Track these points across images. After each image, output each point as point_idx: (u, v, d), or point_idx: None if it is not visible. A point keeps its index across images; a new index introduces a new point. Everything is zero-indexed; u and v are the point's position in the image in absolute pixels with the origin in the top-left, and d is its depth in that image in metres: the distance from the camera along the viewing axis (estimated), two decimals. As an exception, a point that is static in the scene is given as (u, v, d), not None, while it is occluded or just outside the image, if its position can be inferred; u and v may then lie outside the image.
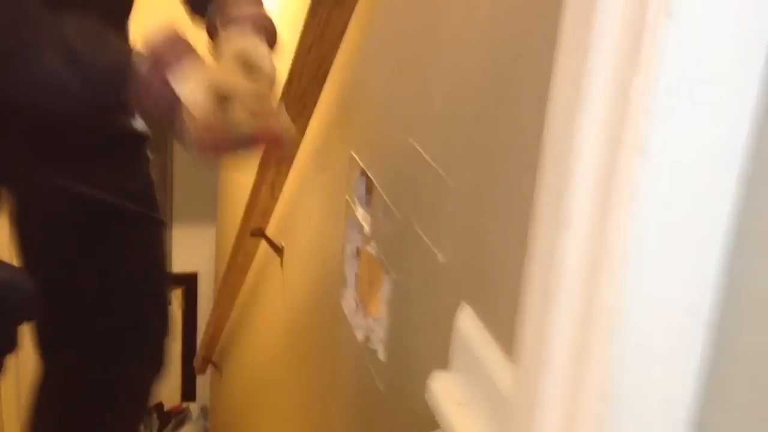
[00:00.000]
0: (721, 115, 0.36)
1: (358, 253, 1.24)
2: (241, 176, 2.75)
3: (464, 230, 0.80)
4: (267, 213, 1.76)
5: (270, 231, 1.86)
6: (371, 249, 1.13)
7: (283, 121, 0.87)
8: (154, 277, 1.34)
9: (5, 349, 0.92)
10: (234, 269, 2.11)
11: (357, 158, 1.21)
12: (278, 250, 1.86)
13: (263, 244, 1.92)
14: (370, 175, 1.15)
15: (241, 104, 0.86)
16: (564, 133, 0.42)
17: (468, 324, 0.75)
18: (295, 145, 0.87)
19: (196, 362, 3.03)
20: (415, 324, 0.93)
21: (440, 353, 0.83)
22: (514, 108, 0.70)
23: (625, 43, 0.38)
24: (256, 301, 2.22)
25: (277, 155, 0.85)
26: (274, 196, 1.67)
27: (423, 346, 0.90)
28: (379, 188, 1.10)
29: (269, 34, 1.00)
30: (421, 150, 0.92)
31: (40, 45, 0.86)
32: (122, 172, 1.22)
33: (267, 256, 1.98)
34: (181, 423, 3.75)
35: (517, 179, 0.69)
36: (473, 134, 0.78)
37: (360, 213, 1.20)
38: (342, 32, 1.22)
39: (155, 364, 1.43)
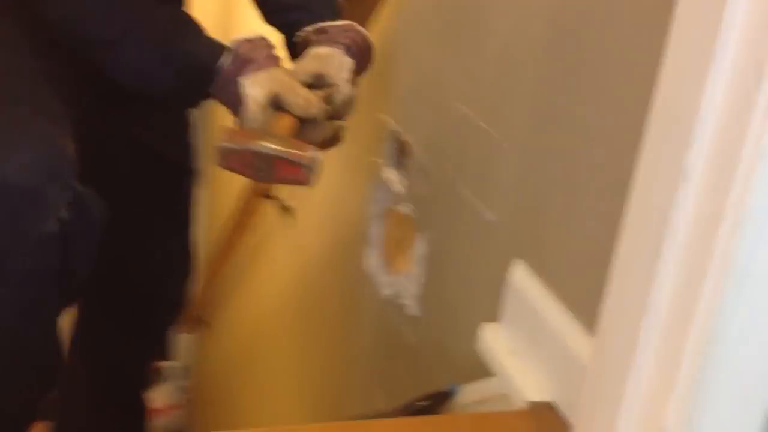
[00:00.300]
0: None
1: (385, 213, 1.27)
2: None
3: (518, 190, 0.84)
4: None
5: (279, 191, 1.88)
6: (404, 209, 1.16)
7: (314, 156, 0.89)
8: (187, 228, 1.38)
9: (89, 268, 0.97)
10: (239, 228, 2.13)
11: (388, 121, 1.24)
12: (288, 211, 1.88)
13: (271, 203, 1.94)
14: (405, 137, 1.18)
15: (287, 121, 0.91)
16: (687, 94, 0.46)
17: (522, 278, 0.79)
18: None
19: (185, 321, 3.05)
20: (457, 279, 0.97)
21: (485, 307, 0.87)
22: (580, 69, 0.73)
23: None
24: (260, 260, 2.25)
25: (291, 182, 0.89)
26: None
27: (466, 300, 0.94)
28: (416, 151, 1.13)
29: (363, 59, 1.04)
30: (470, 113, 0.95)
31: (134, 35, 0.92)
32: (170, 126, 1.27)
33: (274, 216, 2.00)
34: (159, 381, 3.76)
35: (580, 139, 0.72)
36: (532, 96, 0.81)
37: (390, 175, 1.23)
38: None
39: (177, 310, 1.49)
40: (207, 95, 0.97)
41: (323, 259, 1.61)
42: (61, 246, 0.92)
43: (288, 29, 1.11)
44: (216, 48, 0.95)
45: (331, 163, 1.55)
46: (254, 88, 0.91)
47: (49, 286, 0.95)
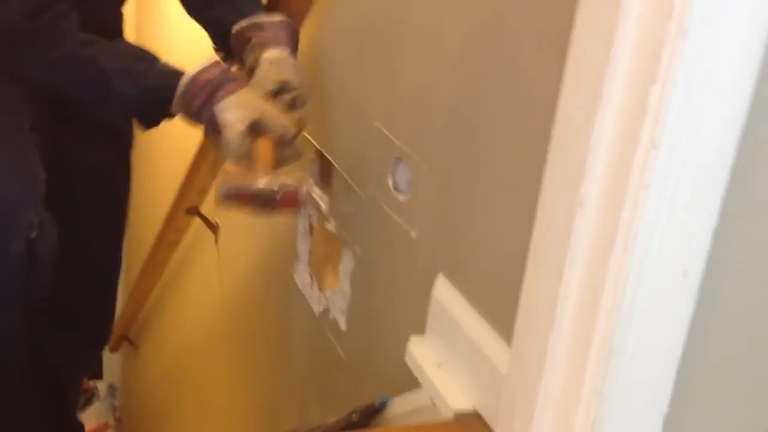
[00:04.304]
0: (719, 120, 0.46)
1: (311, 229, 1.30)
2: (154, 153, 2.74)
3: (438, 209, 0.88)
4: (204, 191, 1.79)
5: (204, 208, 1.88)
6: (330, 226, 1.19)
7: (305, 189, 0.97)
8: (120, 245, 1.55)
9: (48, 284, 1.04)
10: (162, 246, 2.12)
11: (311, 140, 1.27)
12: (213, 227, 1.88)
13: (195, 220, 1.94)
14: (327, 156, 1.21)
15: (267, 144, 0.98)
16: (580, 128, 0.51)
17: (445, 292, 0.84)
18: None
19: (110, 340, 2.99)
20: (384, 294, 1.01)
21: (412, 320, 0.91)
22: (489, 92, 0.77)
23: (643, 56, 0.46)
24: (186, 278, 2.24)
25: (286, 213, 0.98)
26: (212, 175, 1.70)
27: (393, 314, 0.98)
28: (339, 169, 1.16)
29: (297, 48, 1.12)
30: (390, 134, 0.99)
31: (105, 54, 1.01)
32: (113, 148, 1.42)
33: (198, 233, 2.00)
34: (88, 402, 3.69)
35: (492, 159, 0.77)
36: (447, 117, 0.86)
37: (315, 192, 1.26)
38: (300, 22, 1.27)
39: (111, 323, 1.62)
40: (168, 115, 1.04)
41: (252, 276, 1.62)
42: (26, 263, 0.99)
43: (213, 24, 1.17)
44: (175, 72, 1.02)
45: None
46: (231, 115, 0.98)
47: (14, 301, 1.03)
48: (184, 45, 2.13)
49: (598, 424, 0.52)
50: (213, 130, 0.99)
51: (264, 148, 0.99)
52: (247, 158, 0.98)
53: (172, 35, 2.40)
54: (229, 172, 0.97)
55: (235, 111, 0.97)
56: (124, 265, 3.82)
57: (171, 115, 1.03)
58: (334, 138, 1.20)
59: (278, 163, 1.01)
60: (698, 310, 0.50)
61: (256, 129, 0.98)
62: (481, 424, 0.73)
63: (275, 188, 0.94)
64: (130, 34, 3.05)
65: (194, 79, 0.99)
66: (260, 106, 0.99)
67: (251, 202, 0.94)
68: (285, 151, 1.02)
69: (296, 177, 0.96)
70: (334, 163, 1.18)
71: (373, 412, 0.89)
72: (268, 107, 1.00)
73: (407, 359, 0.86)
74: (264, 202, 0.94)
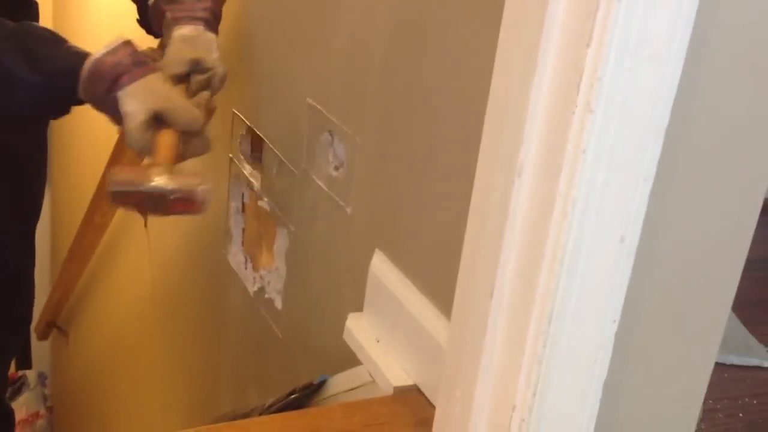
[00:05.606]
0: (654, 82, 0.45)
1: (243, 208, 1.27)
2: (79, 134, 2.64)
3: (373, 183, 0.87)
4: (131, 172, 1.73)
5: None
6: (263, 204, 1.16)
7: (206, 188, 0.87)
8: (34, 226, 1.48)
9: None
10: (89, 230, 2.05)
11: (241, 116, 1.24)
12: (142, 209, 1.83)
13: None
14: (258, 132, 1.18)
15: (171, 138, 0.90)
16: (516, 94, 0.50)
17: (382, 268, 0.83)
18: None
19: (38, 327, 2.90)
20: (320, 272, 0.99)
21: (350, 297, 0.89)
22: (425, 62, 0.76)
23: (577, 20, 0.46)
24: (112, 262, 2.18)
25: (185, 214, 0.88)
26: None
27: (330, 292, 0.97)
28: (271, 146, 1.13)
29: (218, 24, 1.04)
30: (322, 109, 0.97)
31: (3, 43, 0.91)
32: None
33: (127, 216, 1.94)
34: (17, 392, 3.58)
35: (428, 130, 0.76)
36: (380, 90, 0.84)
37: (247, 170, 1.23)
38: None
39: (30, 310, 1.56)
40: (77, 102, 0.95)
41: (184, 258, 1.58)
42: None
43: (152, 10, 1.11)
44: (81, 54, 0.93)
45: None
46: (133, 104, 0.89)
47: None
48: (106, 20, 2.05)
49: (540, 390, 0.52)
50: (117, 120, 0.91)
51: (166, 141, 0.90)
52: (149, 151, 0.90)
53: (96, 9, 2.31)
54: (121, 169, 0.88)
55: (137, 100, 0.89)
56: (51, 251, 3.72)
57: (81, 102, 0.95)
58: (265, 114, 1.17)
59: (184, 156, 0.93)
60: (635, 275, 0.50)
61: (159, 120, 0.90)
62: (422, 399, 0.72)
63: (170, 188, 0.85)
64: (47, 10, 2.90)
65: (99, 61, 0.90)
66: (165, 94, 0.91)
67: (144, 202, 0.85)
68: (192, 142, 0.93)
69: (196, 176, 0.87)
70: (266, 140, 1.15)
71: (313, 391, 0.88)
72: (174, 96, 0.92)
73: (346, 336, 0.84)
74: (157, 202, 0.85)
